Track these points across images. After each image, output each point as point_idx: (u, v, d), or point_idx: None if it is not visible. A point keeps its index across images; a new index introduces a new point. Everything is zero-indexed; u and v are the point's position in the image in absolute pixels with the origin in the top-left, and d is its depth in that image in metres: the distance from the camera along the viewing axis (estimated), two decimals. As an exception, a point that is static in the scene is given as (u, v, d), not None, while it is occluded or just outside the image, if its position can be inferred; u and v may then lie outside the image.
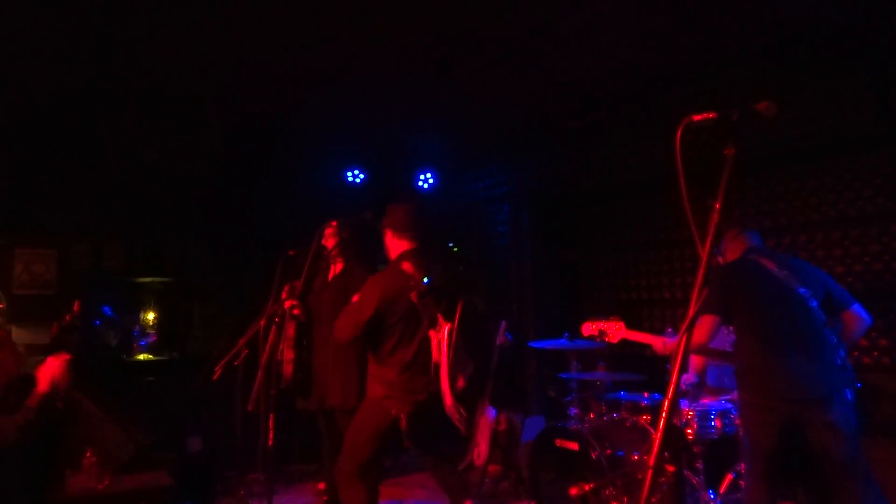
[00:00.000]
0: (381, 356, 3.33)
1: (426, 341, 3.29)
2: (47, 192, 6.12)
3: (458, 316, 3.30)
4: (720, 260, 3.44)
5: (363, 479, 3.27)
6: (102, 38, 4.03)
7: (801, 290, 3.01)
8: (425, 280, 3.25)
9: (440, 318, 3.27)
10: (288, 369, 4.06)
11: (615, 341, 3.75)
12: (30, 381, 3.05)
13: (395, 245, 3.52)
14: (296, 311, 3.90)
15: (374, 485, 3.34)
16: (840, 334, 3.05)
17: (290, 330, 4.05)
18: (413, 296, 3.24)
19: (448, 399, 3.22)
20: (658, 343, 3.58)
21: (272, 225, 6.37)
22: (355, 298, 3.42)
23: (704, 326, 3.06)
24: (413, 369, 3.27)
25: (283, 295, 3.70)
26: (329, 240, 4.12)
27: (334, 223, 4.15)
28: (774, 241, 4.97)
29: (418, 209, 3.58)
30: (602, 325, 3.78)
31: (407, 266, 3.36)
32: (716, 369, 4.42)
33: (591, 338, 3.83)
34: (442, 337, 3.25)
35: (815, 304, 3.00)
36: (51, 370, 3.02)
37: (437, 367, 3.25)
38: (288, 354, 4.09)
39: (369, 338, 3.38)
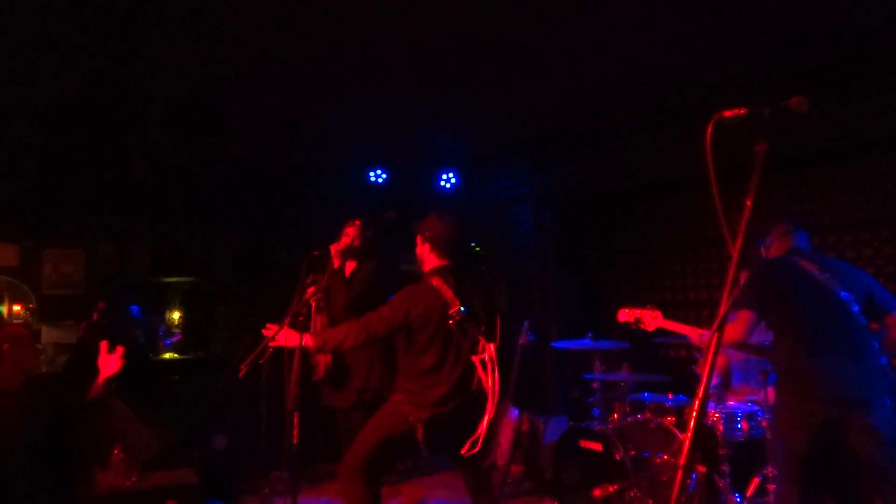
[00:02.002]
0: (408, 365, 3.33)
1: (458, 356, 3.26)
2: (74, 195, 6.22)
3: (498, 334, 3.27)
4: (762, 251, 3.36)
5: (367, 477, 3.24)
6: (125, 45, 4.09)
7: (843, 294, 2.94)
8: (463, 308, 3.21)
9: (482, 341, 3.24)
10: (327, 359, 4.13)
11: (651, 329, 3.63)
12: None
13: (430, 258, 3.44)
14: (321, 304, 3.97)
15: (377, 485, 3.31)
16: (882, 340, 2.99)
17: (323, 321, 4.13)
18: (451, 324, 3.20)
19: (486, 425, 3.17)
20: (695, 335, 3.47)
21: (295, 225, 6.41)
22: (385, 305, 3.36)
23: (742, 322, 3.00)
24: (438, 381, 3.24)
25: (310, 290, 3.73)
26: (352, 238, 4.15)
27: (357, 222, 4.18)
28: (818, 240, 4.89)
29: (460, 226, 3.49)
30: (639, 312, 3.68)
31: (441, 285, 3.28)
32: (741, 370, 4.36)
33: (626, 324, 3.74)
34: (486, 357, 3.21)
35: (856, 308, 2.93)
36: (116, 360, 3.06)
37: (483, 390, 3.20)
38: None
39: (399, 345, 3.38)
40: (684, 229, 5.82)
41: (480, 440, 3.16)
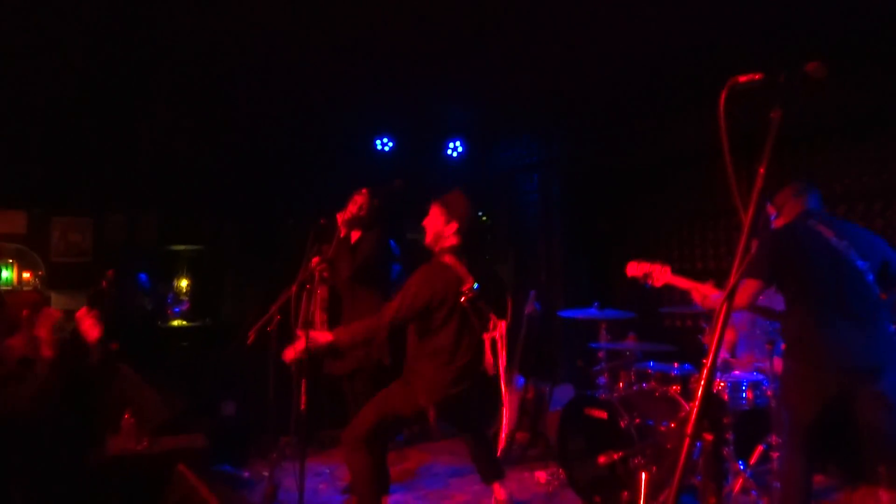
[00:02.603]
0: (420, 344, 3.31)
1: (471, 334, 3.25)
2: (82, 162, 6.22)
3: (509, 311, 3.26)
4: (771, 211, 3.28)
5: (371, 447, 3.25)
6: (129, 16, 4.04)
7: (860, 263, 2.91)
8: (476, 285, 3.20)
9: (493, 318, 3.23)
10: (324, 330, 4.16)
11: (659, 285, 3.49)
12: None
13: (451, 238, 3.38)
14: (325, 274, 3.98)
15: (382, 454, 3.32)
16: (893, 307, 2.97)
17: (324, 293, 4.14)
18: (463, 301, 3.18)
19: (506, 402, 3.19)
20: (698, 295, 3.35)
21: (302, 193, 6.41)
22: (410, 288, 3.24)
23: (747, 290, 2.97)
24: (454, 361, 3.23)
25: (315, 260, 3.74)
26: (359, 207, 4.14)
27: (365, 191, 4.16)
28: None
29: (474, 205, 3.47)
30: (648, 267, 3.53)
31: (454, 263, 3.26)
32: (746, 340, 4.37)
33: (633, 279, 3.61)
34: (496, 335, 3.21)
35: (871, 278, 2.90)
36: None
37: (495, 367, 3.21)
38: (321, 316, 4.17)
39: (413, 327, 3.37)
40: (695, 199, 5.78)
41: (503, 428, 3.20)
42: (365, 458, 3.25)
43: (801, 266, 2.99)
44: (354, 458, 3.28)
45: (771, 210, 3.28)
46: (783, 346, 3.12)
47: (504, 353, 3.18)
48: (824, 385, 2.89)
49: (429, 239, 3.45)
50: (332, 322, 4.25)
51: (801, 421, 2.95)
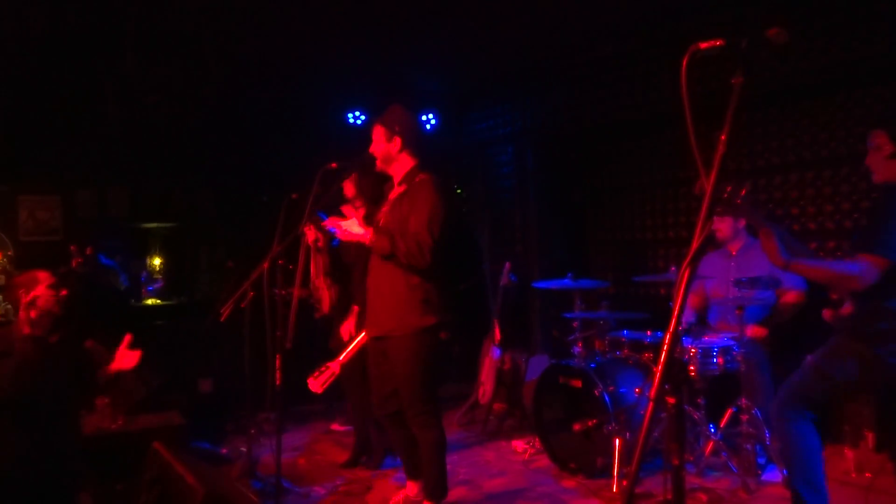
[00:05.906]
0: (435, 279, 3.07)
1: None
2: (49, 138, 6.07)
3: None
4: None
5: (437, 416, 3.13)
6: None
7: None
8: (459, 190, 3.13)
9: None
10: (331, 294, 4.13)
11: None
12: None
13: (404, 158, 3.18)
14: (320, 244, 4.01)
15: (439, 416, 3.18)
16: None
17: (322, 260, 4.14)
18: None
19: None
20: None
21: (275, 168, 6.34)
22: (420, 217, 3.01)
23: (874, 271, 2.47)
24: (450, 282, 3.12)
25: (307, 230, 3.73)
26: (349, 188, 4.13)
27: (334, 165, 4.11)
28: (780, 178, 4.91)
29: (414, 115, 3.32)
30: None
31: (432, 177, 3.08)
32: (719, 307, 4.44)
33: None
34: None
35: None
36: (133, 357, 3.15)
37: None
38: (325, 282, 4.15)
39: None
40: (668, 167, 5.81)
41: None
42: (436, 428, 3.12)
43: None
44: (429, 435, 3.12)
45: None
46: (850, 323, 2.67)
47: None
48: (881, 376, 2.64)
49: (380, 164, 3.28)
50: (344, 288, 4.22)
51: (830, 396, 2.82)
